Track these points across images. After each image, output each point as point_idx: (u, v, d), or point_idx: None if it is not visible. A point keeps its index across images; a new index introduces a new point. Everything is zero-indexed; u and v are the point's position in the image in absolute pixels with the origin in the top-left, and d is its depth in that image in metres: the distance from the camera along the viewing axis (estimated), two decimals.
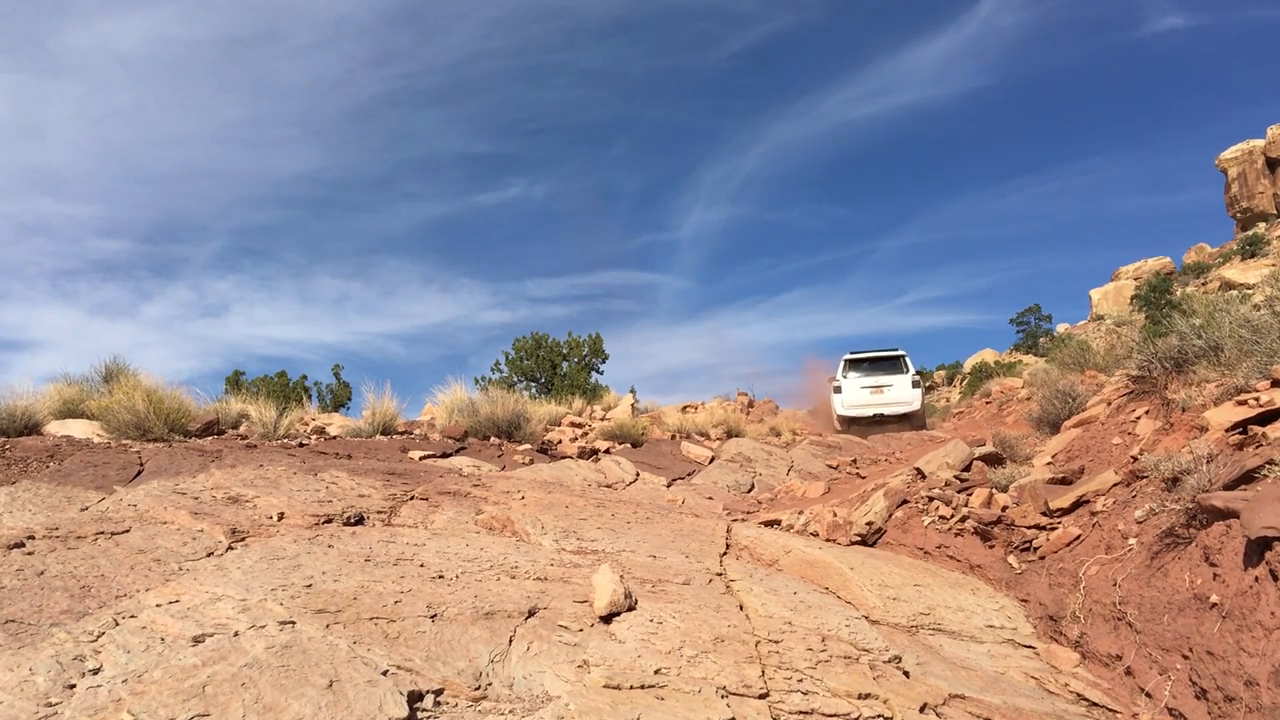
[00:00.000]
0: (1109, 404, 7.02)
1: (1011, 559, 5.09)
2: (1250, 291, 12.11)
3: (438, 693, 2.27)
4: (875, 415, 15.41)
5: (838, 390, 16.09)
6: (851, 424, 15.58)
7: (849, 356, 16.49)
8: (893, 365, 16.09)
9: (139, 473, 5.87)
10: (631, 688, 2.54)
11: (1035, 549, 5.02)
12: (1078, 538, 4.76)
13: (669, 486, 8.94)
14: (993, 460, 6.87)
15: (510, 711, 2.29)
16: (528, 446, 10.24)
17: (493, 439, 10.35)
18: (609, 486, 8.30)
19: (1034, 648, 4.10)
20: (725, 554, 5.01)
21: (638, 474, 9.14)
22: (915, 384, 15.85)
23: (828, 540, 5.85)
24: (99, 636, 2.23)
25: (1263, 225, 55.73)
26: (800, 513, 6.62)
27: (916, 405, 15.54)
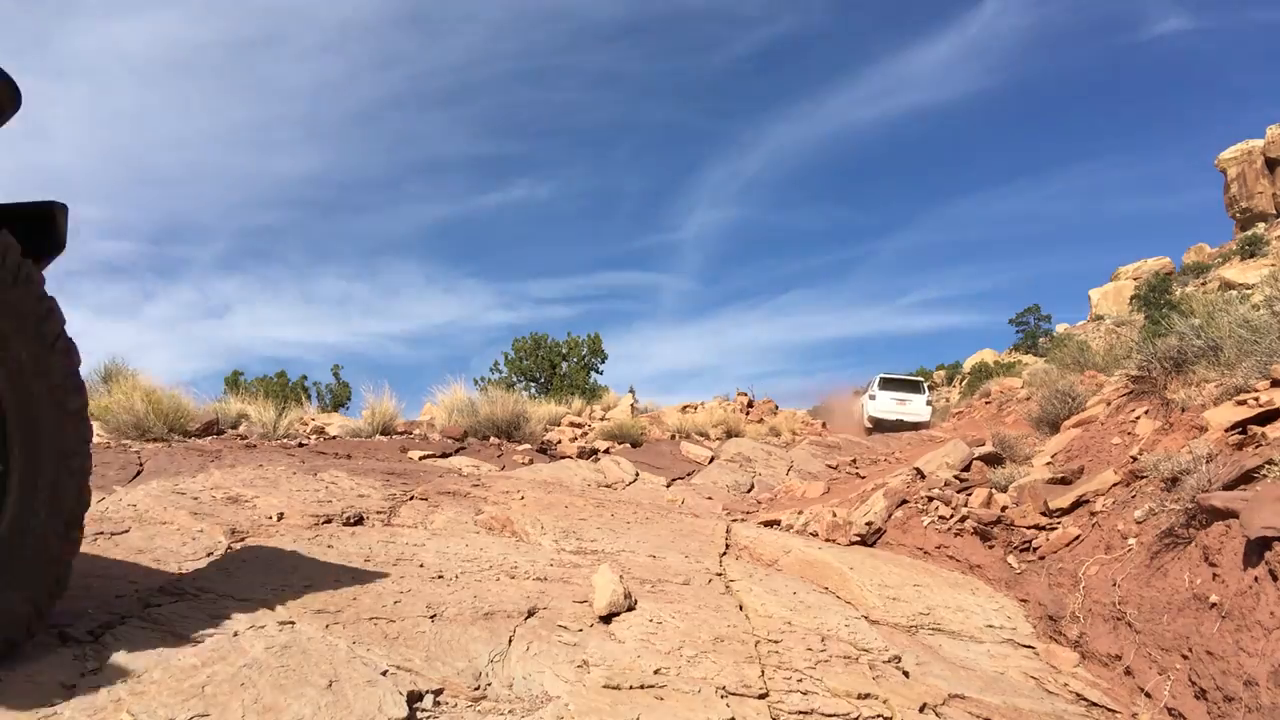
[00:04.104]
0: (1108, 404, 7.02)
1: (1011, 559, 5.09)
2: (1249, 291, 12.11)
3: (437, 693, 2.27)
4: (897, 420, 20.64)
5: (872, 398, 21.58)
6: (879, 425, 20.71)
7: (884, 376, 22.29)
8: (914, 387, 22.34)
9: (138, 473, 5.87)
10: (631, 688, 2.54)
11: (1035, 549, 5.02)
12: (1077, 538, 4.76)
13: (669, 486, 8.94)
14: (992, 460, 6.88)
15: (510, 711, 2.28)
16: (527, 446, 10.24)
17: (492, 439, 10.35)
18: (609, 486, 8.30)
19: (1033, 648, 4.10)
20: (725, 554, 5.01)
21: (637, 474, 9.14)
22: (929, 403, 22.10)
23: (827, 540, 5.85)
24: (99, 636, 2.23)
25: (1262, 225, 55.74)
26: (800, 513, 6.62)
27: (927, 418, 21.15)
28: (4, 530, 2.14)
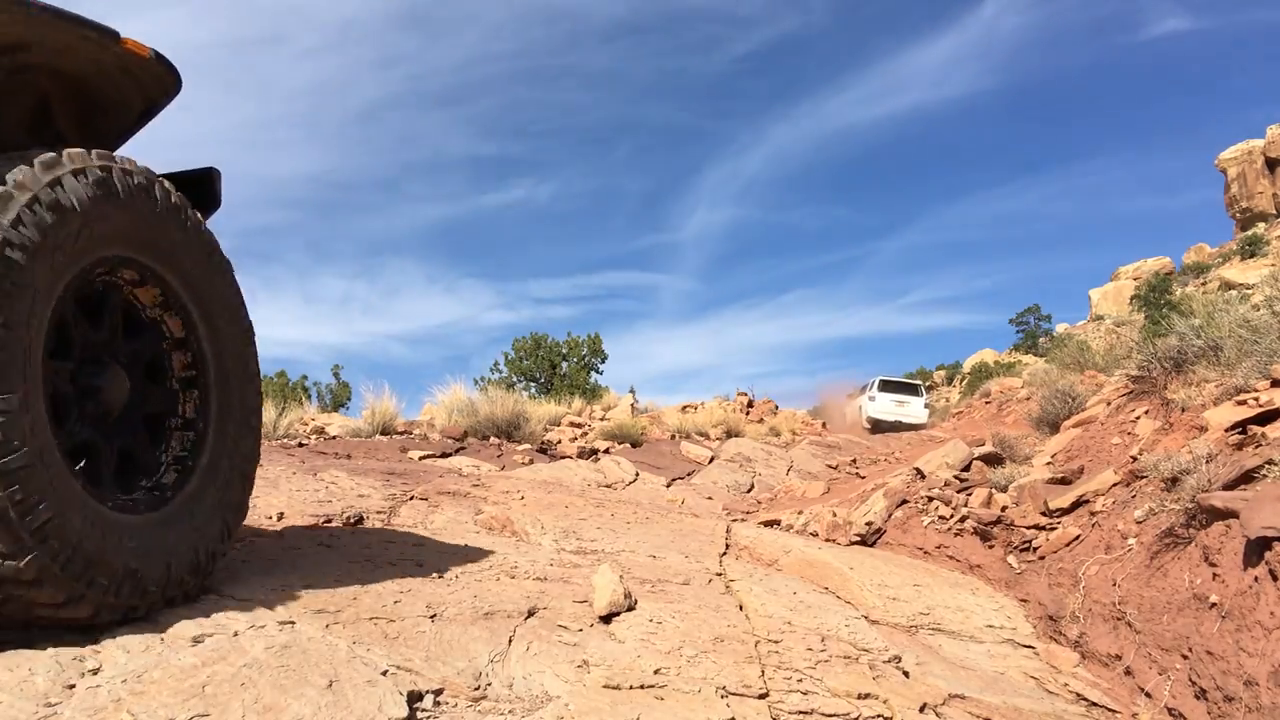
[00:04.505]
0: (1108, 404, 7.02)
1: (1011, 559, 5.09)
2: (1250, 291, 12.11)
3: (437, 692, 2.27)
4: (895, 421, 21.52)
5: (872, 399, 22.74)
6: (878, 426, 21.55)
7: (883, 378, 23.62)
8: (913, 390, 23.82)
9: None
10: (631, 688, 2.54)
11: (1035, 549, 5.02)
12: (1077, 538, 4.76)
13: (669, 486, 8.94)
14: (992, 460, 6.88)
15: (510, 711, 2.28)
16: (527, 446, 10.25)
17: (492, 439, 10.35)
18: (609, 486, 8.30)
19: (1034, 648, 4.10)
20: (725, 554, 5.01)
21: (637, 474, 9.14)
22: (926, 405, 23.45)
23: (827, 540, 5.85)
24: (99, 637, 2.23)
25: (1262, 225, 55.73)
26: (800, 513, 6.62)
27: (925, 420, 22.26)
28: (203, 464, 2.71)
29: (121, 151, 2.75)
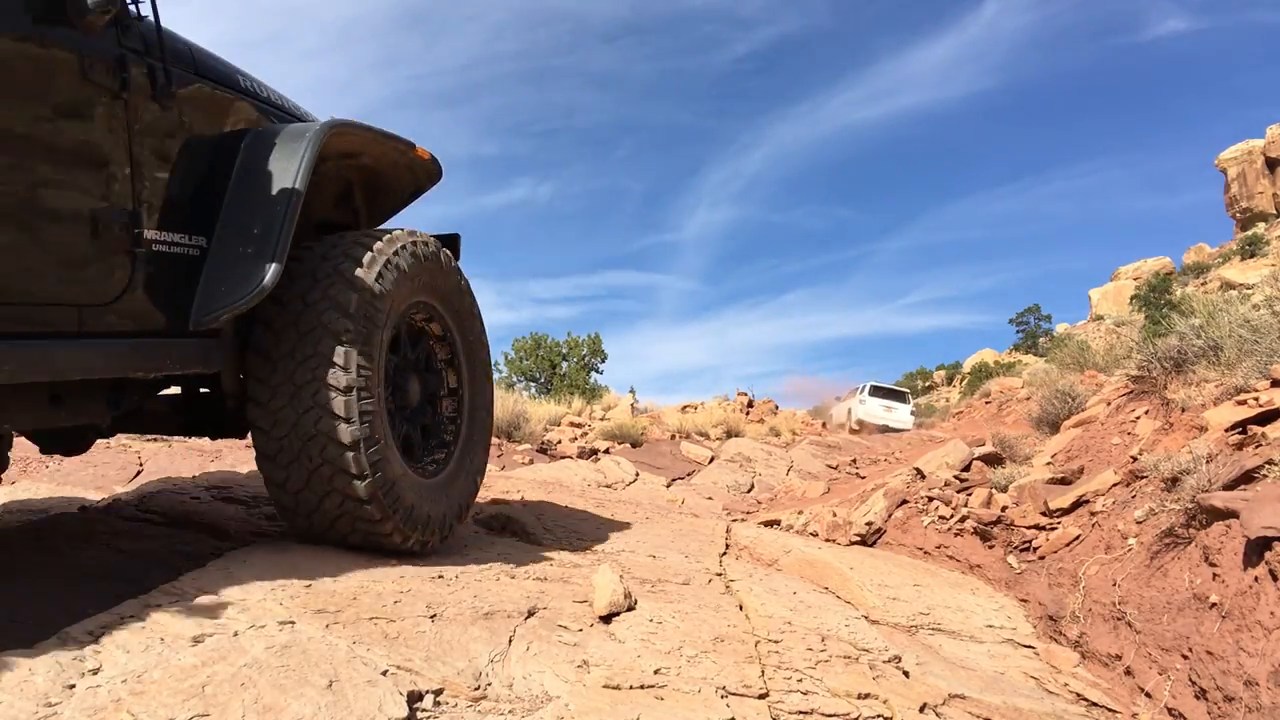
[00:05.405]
0: (1108, 404, 7.02)
1: (1011, 559, 5.09)
2: (1250, 291, 12.10)
3: (437, 693, 2.26)
4: (883, 426, 22.76)
5: (862, 403, 24.64)
6: (866, 428, 22.81)
7: (873, 385, 25.39)
8: (901, 397, 25.50)
9: (138, 473, 5.86)
10: (631, 688, 2.54)
11: (1035, 549, 5.02)
12: (1077, 538, 4.76)
13: (669, 486, 8.94)
14: (992, 460, 6.88)
15: (510, 711, 2.28)
16: (527, 446, 10.25)
17: (492, 439, 10.34)
18: (608, 486, 8.30)
19: (1034, 648, 4.10)
20: (725, 554, 5.01)
21: (637, 474, 9.14)
22: (912, 412, 25.48)
23: (827, 540, 5.85)
24: (99, 636, 2.23)
25: (1262, 225, 55.74)
26: (800, 513, 6.62)
27: (910, 425, 23.50)
28: (462, 441, 3.73)
29: None
